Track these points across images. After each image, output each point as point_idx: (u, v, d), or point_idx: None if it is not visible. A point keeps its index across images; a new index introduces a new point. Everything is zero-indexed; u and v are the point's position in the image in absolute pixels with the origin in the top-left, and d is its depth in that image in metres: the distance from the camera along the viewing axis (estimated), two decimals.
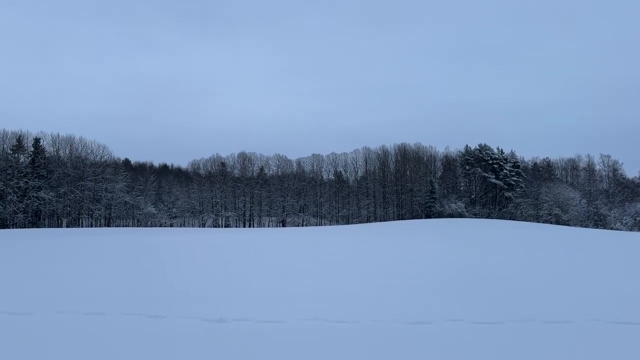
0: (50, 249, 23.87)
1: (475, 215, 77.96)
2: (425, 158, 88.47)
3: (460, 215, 76.25)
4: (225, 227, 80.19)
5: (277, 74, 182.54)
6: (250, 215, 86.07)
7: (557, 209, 72.33)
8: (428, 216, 78.00)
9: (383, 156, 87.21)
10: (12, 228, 60.41)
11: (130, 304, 8.98)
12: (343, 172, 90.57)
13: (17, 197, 62.78)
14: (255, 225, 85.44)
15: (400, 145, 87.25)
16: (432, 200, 78.97)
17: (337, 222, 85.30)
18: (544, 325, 7.48)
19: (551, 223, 69.54)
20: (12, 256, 20.22)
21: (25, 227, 61.49)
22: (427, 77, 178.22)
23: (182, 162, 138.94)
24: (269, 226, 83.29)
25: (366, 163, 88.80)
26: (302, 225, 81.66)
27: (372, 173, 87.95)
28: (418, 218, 77.87)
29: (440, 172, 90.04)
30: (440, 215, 77.61)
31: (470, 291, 10.88)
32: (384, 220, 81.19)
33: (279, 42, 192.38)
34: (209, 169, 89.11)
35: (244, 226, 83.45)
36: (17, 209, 62.35)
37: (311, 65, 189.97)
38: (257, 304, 8.99)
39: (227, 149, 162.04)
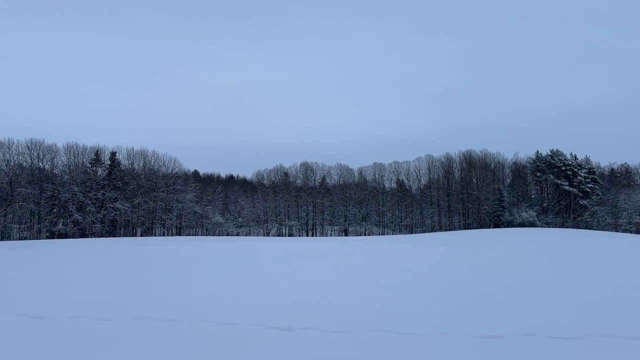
0: (131, 256, 25.20)
1: (548, 225, 74.20)
2: (492, 165, 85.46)
3: (532, 225, 72.86)
4: (288, 236, 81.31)
5: (336, 84, 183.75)
6: (312, 224, 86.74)
7: (638, 217, 67.39)
8: (497, 225, 75.13)
9: (447, 164, 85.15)
10: (91, 237, 64.43)
11: (201, 311, 9.27)
12: (405, 181, 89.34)
13: (96, 207, 66.98)
14: (317, 234, 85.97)
15: (466, 152, 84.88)
16: (500, 209, 76.01)
17: (400, 232, 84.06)
18: (624, 342, 6.96)
19: (631, 232, 64.89)
20: (95, 263, 21.52)
21: (102, 237, 65.41)
22: (491, 82, 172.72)
23: (247, 172, 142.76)
24: (331, 235, 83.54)
25: (429, 171, 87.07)
26: (364, 235, 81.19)
27: (436, 181, 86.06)
28: (486, 227, 75.19)
29: (509, 180, 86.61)
30: (510, 224, 74.55)
31: (543, 304, 10.32)
32: (450, 230, 79.06)
33: (336, 52, 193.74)
34: (273, 179, 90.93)
35: (307, 235, 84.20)
36: (95, 219, 66.49)
37: (369, 74, 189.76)
38: (321, 313, 9.00)
39: (290, 159, 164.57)
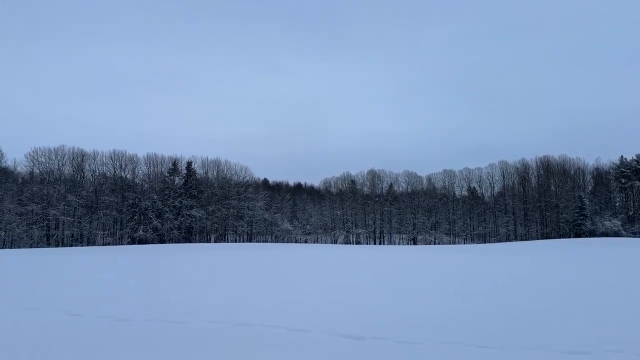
0: (209, 262, 26.16)
1: (634, 234, 68.73)
2: (572, 171, 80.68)
3: (616, 234, 67.82)
4: (356, 244, 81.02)
5: (401, 90, 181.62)
6: (380, 233, 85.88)
7: None
8: (577, 235, 70.63)
9: (523, 170, 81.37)
10: (169, 243, 67.62)
11: (274, 316, 9.36)
12: (478, 188, 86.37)
13: (173, 215, 70.29)
14: (385, 242, 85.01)
15: (543, 157, 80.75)
16: (581, 217, 71.43)
17: (472, 241, 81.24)
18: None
19: None
20: (175, 268, 22.51)
21: (179, 242, 68.47)
22: (567, 84, 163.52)
23: (315, 180, 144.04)
24: (399, 244, 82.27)
25: (504, 178, 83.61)
26: (434, 244, 79.23)
27: (511, 188, 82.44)
28: (566, 237, 70.89)
29: (590, 187, 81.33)
30: (592, 234, 69.85)
31: (632, 318, 9.46)
32: (526, 239, 75.34)
33: (401, 59, 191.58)
34: (340, 187, 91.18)
35: (374, 243, 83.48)
36: (172, 226, 69.76)
37: (435, 80, 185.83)
38: (392, 322, 8.80)
39: (357, 167, 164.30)
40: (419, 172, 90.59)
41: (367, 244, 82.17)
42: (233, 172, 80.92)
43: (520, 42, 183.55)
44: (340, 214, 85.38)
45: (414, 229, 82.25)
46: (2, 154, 63.37)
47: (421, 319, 9.32)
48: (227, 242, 76.05)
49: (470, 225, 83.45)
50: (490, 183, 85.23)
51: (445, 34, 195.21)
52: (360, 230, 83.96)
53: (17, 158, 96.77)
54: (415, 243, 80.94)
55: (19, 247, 59.37)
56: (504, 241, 75.73)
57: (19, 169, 68.84)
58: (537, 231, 77.78)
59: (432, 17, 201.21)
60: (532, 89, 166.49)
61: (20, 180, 68.51)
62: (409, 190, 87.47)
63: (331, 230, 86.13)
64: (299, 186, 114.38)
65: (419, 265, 24.27)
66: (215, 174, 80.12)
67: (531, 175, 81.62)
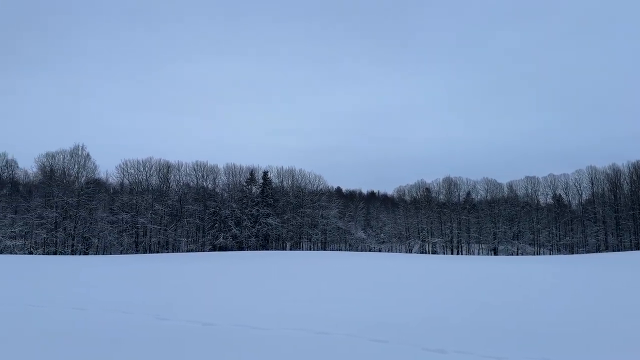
0: (288, 269, 26.70)
1: None
2: None
3: None
4: (432, 253, 79.06)
5: (475, 95, 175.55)
6: (458, 242, 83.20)
7: None
8: None
9: (614, 176, 75.59)
10: (247, 250, 69.73)
11: (353, 325, 9.33)
12: (564, 196, 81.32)
13: (251, 222, 72.49)
14: (463, 252, 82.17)
15: (636, 162, 74.55)
16: None
17: (559, 252, 76.50)
18: None
19: None
20: (258, 275, 23.16)
21: (257, 249, 70.38)
22: None
23: (388, 188, 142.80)
24: (478, 254, 79.19)
25: (592, 184, 78.10)
26: (517, 254, 75.46)
27: (601, 196, 76.80)
28: None
29: None
30: None
31: None
32: (618, 250, 69.76)
33: (473, 62, 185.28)
34: (414, 195, 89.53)
35: (451, 253, 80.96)
36: (250, 233, 71.93)
37: (512, 83, 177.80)
38: (471, 334, 8.45)
39: (432, 175, 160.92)
40: (498, 179, 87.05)
41: (443, 253, 79.87)
42: (307, 181, 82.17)
43: (604, 40, 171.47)
44: (415, 222, 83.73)
45: (495, 239, 78.84)
46: (95, 166, 68.65)
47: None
48: (302, 249, 77.11)
49: (556, 235, 78.65)
50: (577, 190, 79.96)
51: (524, 34, 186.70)
52: (437, 240, 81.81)
53: (109, 170, 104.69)
54: (496, 253, 77.51)
55: (110, 254, 63.88)
56: (594, 252, 70.56)
57: (110, 180, 74.25)
58: (630, 241, 71.78)
59: (506, 19, 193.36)
60: (620, 88, 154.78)
61: (111, 190, 73.82)
62: (489, 198, 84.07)
63: (406, 239, 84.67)
64: (372, 194, 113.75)
65: (516, 279, 23.20)
66: (290, 182, 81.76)
67: (623, 181, 75.58)
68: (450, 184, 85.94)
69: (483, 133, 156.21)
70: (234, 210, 71.65)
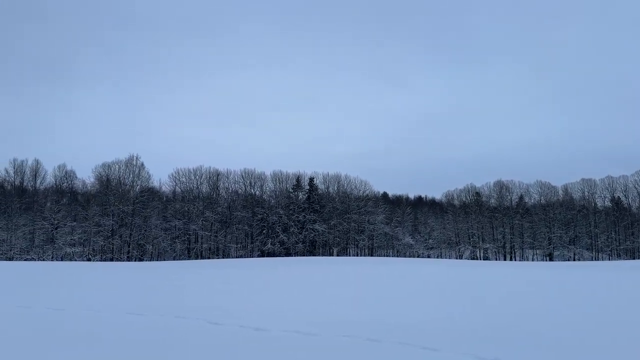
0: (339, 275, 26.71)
1: None
2: None
3: None
4: (483, 259, 76.88)
5: (527, 95, 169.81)
6: (511, 248, 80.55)
7: None
8: None
9: None
10: (294, 256, 70.26)
11: (404, 334, 9.18)
12: (623, 198, 77.25)
13: (297, 229, 73.05)
14: (516, 258, 79.46)
15: None
16: None
17: (619, 257, 72.68)
18: None
19: None
20: (312, 281, 23.29)
21: (304, 255, 70.80)
22: None
23: (436, 193, 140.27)
24: (532, 260, 76.35)
25: None
26: (574, 260, 72.23)
27: None
28: None
29: None
30: None
31: None
32: None
33: (527, 62, 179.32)
34: (464, 199, 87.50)
35: (504, 259, 78.44)
36: (297, 240, 72.48)
37: (567, 82, 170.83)
38: (520, 345, 8.11)
39: (481, 179, 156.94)
40: (552, 182, 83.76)
41: (495, 259, 77.50)
42: (353, 187, 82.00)
43: None
44: (465, 227, 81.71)
45: (550, 244, 75.82)
46: (149, 175, 71.26)
47: None
48: (349, 255, 76.87)
49: (615, 240, 74.75)
50: (638, 192, 75.75)
51: (573, 35, 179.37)
52: (488, 245, 79.49)
53: (162, 178, 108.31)
54: (551, 259, 74.50)
55: (164, 260, 65.97)
56: None
57: (163, 188, 76.83)
58: None
59: (561, 16, 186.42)
60: None
61: (164, 198, 76.38)
62: (543, 201, 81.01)
63: (456, 244, 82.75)
64: (419, 199, 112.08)
65: (555, 286, 22.23)
66: (335, 188, 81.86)
67: None
68: (501, 187, 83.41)
69: (535, 134, 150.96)
70: (281, 217, 72.43)
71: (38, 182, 74.66)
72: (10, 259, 59.40)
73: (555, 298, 16.16)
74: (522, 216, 79.10)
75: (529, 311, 12.70)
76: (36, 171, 74.20)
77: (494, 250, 79.57)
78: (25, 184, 74.05)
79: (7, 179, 72.97)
